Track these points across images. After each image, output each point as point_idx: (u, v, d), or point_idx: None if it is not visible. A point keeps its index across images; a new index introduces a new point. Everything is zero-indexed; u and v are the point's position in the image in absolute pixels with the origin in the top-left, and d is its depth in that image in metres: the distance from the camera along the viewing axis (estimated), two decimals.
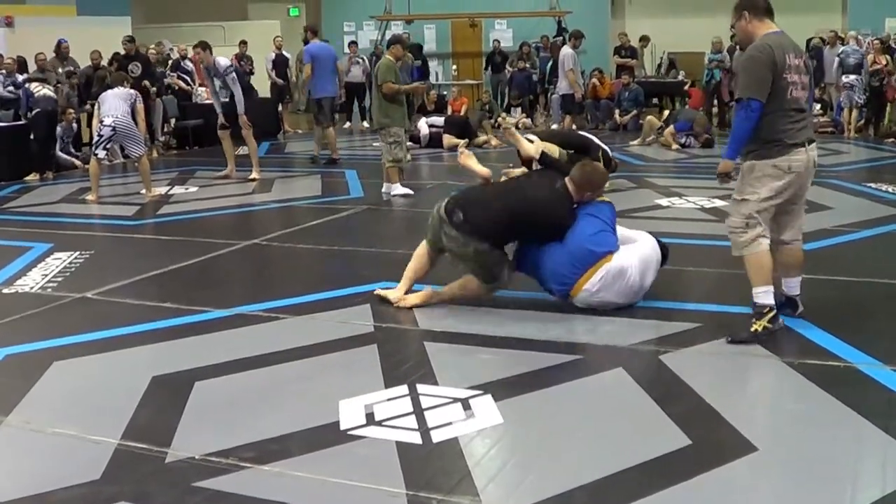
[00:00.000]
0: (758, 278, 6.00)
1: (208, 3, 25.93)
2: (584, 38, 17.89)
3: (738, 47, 17.32)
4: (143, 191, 12.45)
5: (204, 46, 13.51)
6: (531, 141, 7.47)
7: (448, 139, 17.33)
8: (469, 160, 7.35)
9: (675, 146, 16.47)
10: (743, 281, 6.90)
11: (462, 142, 17.13)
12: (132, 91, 13.08)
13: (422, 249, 7.02)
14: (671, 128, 16.88)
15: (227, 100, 13.54)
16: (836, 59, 18.65)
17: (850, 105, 18.22)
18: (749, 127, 5.89)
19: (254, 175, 13.66)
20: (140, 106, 13.11)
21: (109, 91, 12.66)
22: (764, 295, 5.98)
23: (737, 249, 6.09)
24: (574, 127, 16.83)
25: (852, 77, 18.12)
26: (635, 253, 6.67)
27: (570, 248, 6.52)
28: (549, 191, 6.75)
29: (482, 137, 17.73)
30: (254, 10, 27.52)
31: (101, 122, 12.27)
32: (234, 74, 13.46)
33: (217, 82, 13.56)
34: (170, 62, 19.20)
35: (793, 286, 6.35)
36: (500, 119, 17.67)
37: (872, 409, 4.75)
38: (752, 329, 5.92)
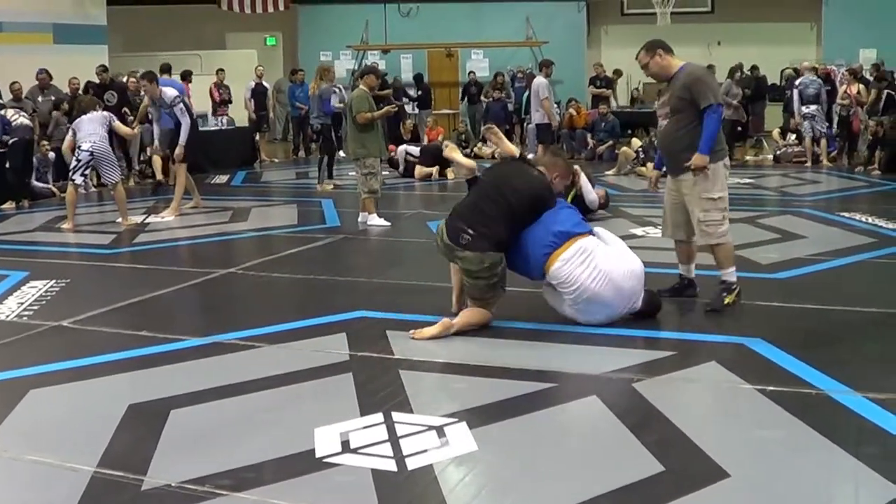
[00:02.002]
0: (729, 261, 7.30)
1: (186, 31, 26.03)
2: (554, 64, 18.07)
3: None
4: (119, 219, 12.43)
5: (150, 78, 13.34)
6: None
7: (420, 170, 17.38)
8: (454, 153, 7.89)
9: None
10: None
11: (433, 169, 17.15)
12: (106, 113, 13.04)
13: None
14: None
15: (172, 128, 13.31)
16: (796, 91, 18.82)
17: (812, 134, 18.41)
18: (719, 127, 7.16)
19: (165, 213, 13.15)
20: (116, 124, 13.04)
21: (84, 116, 12.57)
22: (732, 274, 7.30)
23: (715, 238, 7.23)
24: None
25: (812, 107, 18.39)
26: (613, 250, 7.02)
27: (554, 224, 6.89)
28: (529, 174, 7.20)
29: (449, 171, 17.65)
30: (231, 39, 27.59)
31: (79, 147, 12.24)
32: (181, 105, 13.14)
33: (161, 112, 13.41)
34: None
35: (692, 270, 7.70)
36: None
37: (843, 436, 4.79)
38: (726, 302, 7.21)
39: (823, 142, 18.39)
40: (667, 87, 7.48)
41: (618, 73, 23.69)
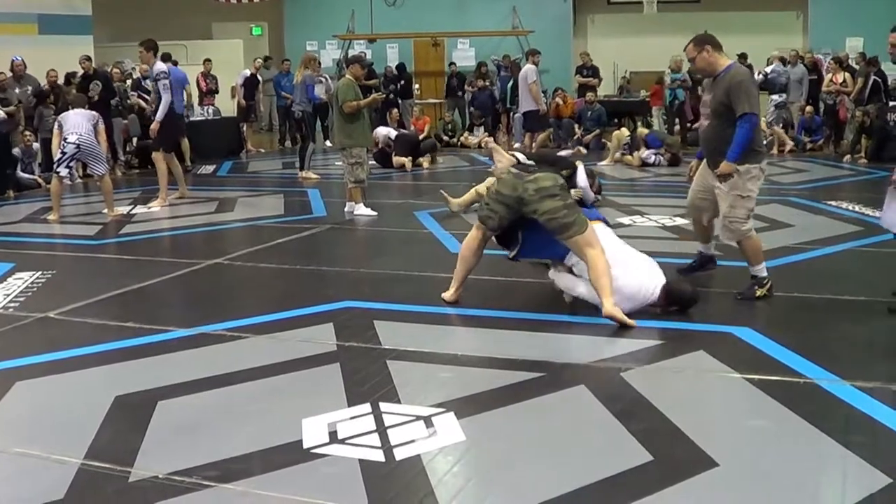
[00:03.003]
0: (757, 258, 7.35)
1: (172, 22, 25.88)
2: (541, 53, 18.05)
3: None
4: (105, 210, 12.37)
5: (148, 46, 12.97)
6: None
7: (398, 159, 17.21)
8: (494, 147, 8.96)
9: (642, 156, 16.56)
10: (703, 297, 7.02)
11: (406, 160, 16.99)
12: (94, 112, 12.98)
13: (472, 243, 7.27)
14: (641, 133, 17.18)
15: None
16: (762, 77, 18.96)
17: (784, 123, 18.63)
18: (753, 136, 7.11)
19: (154, 203, 13.09)
20: (102, 127, 12.95)
21: (71, 111, 12.57)
22: (762, 269, 7.34)
23: (736, 237, 7.29)
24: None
25: (785, 95, 18.86)
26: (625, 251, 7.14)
27: None
28: None
29: (423, 160, 17.54)
30: (217, 29, 27.50)
31: (65, 139, 12.18)
32: (166, 81, 12.84)
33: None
34: (129, 81, 18.93)
35: (712, 248, 7.92)
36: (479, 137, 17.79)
37: (832, 425, 4.80)
38: (758, 294, 7.26)
39: (779, 128, 18.74)
40: (710, 85, 7.39)
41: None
